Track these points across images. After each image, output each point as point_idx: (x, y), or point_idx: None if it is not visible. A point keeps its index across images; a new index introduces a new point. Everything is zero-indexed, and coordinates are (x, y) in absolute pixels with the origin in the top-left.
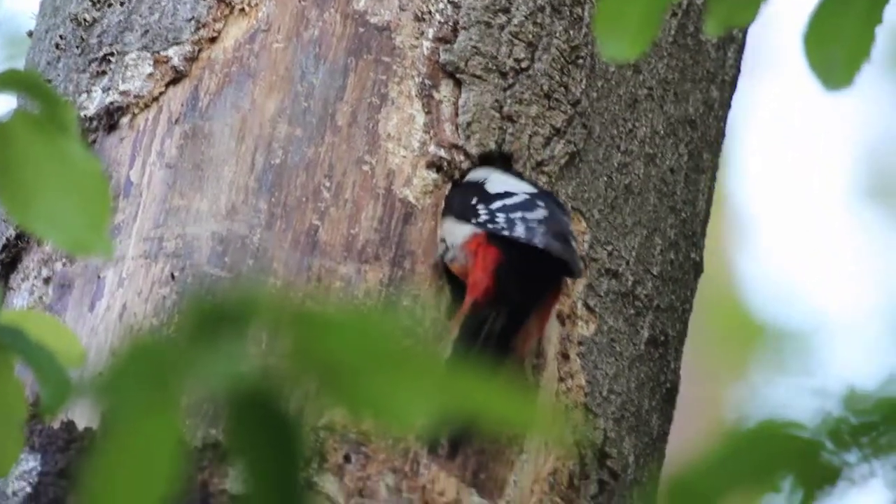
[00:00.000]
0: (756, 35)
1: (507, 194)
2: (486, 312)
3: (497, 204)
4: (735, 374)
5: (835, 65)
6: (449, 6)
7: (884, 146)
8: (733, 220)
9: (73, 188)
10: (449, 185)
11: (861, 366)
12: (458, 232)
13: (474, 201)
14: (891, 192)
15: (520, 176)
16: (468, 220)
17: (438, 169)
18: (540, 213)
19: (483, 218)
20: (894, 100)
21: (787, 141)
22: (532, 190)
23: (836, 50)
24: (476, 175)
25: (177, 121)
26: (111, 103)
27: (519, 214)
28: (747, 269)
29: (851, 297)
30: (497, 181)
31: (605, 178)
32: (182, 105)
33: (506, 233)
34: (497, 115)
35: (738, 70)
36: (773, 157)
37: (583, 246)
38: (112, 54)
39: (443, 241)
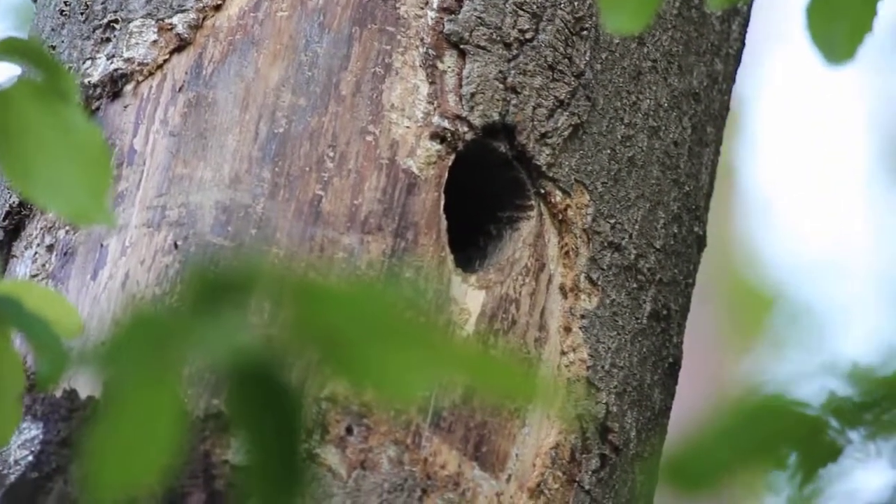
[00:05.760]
0: (768, 9)
1: None
2: None
3: None
4: (741, 348)
5: (837, 38)
6: None
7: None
8: (746, 194)
9: (74, 157)
10: (452, 156)
11: (870, 342)
12: None
13: None
14: None
15: None
16: None
17: (442, 140)
18: None
19: None
20: None
21: (800, 114)
22: None
23: (838, 23)
24: None
25: (180, 89)
26: (115, 70)
27: None
28: (758, 242)
29: (863, 270)
30: None
31: (609, 151)
32: (186, 73)
33: None
34: (501, 86)
35: (743, 43)
36: (786, 131)
37: (586, 219)
38: (116, 21)
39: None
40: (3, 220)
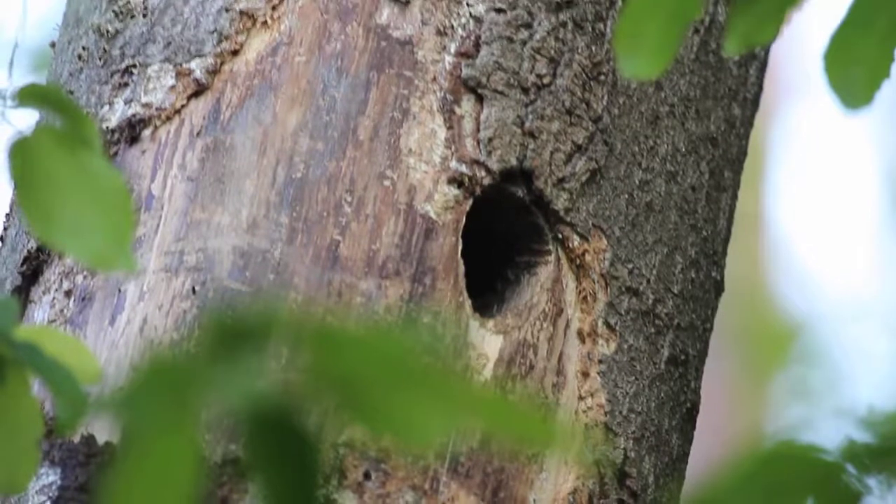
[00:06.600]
0: (792, 56)
1: None
2: None
3: None
4: (759, 393)
5: (854, 84)
6: (471, 21)
7: None
8: (769, 239)
9: (95, 203)
10: (470, 201)
11: (886, 386)
12: None
13: None
14: None
15: None
16: None
17: (459, 184)
18: None
19: None
20: None
21: (821, 160)
22: None
23: (855, 69)
24: None
25: (198, 133)
26: (133, 115)
27: None
28: (781, 287)
29: (879, 315)
30: None
31: (627, 196)
32: (204, 118)
33: None
34: (519, 130)
35: (761, 88)
36: (809, 177)
37: (603, 264)
38: (134, 66)
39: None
40: (22, 265)
